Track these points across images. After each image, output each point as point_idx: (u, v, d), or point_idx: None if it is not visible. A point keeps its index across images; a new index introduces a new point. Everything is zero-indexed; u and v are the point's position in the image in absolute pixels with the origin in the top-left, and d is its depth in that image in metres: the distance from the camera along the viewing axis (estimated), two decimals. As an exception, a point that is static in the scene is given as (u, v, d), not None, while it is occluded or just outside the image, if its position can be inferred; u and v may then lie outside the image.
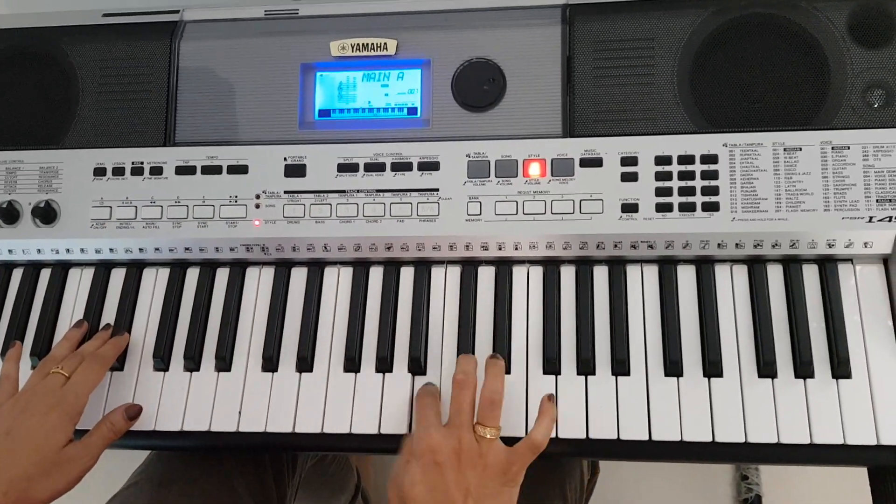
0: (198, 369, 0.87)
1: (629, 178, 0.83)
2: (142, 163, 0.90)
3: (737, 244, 0.82)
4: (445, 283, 0.87)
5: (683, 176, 0.83)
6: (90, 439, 0.79)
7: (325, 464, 1.16)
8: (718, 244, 0.82)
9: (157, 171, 0.89)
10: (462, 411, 0.75)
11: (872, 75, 0.82)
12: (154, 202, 0.89)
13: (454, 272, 0.88)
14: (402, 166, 0.87)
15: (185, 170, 0.89)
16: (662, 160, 0.83)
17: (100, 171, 0.90)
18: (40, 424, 0.77)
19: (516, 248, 0.85)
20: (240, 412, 0.84)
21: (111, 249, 0.90)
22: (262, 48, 0.91)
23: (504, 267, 0.87)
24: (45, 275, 0.93)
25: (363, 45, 0.89)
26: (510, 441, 0.76)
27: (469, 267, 0.87)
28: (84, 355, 0.84)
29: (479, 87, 0.87)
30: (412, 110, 0.89)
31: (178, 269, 0.91)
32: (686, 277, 0.84)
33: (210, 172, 0.89)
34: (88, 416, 0.82)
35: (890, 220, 0.80)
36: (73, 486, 0.78)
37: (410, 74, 0.89)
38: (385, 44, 0.89)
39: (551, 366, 0.82)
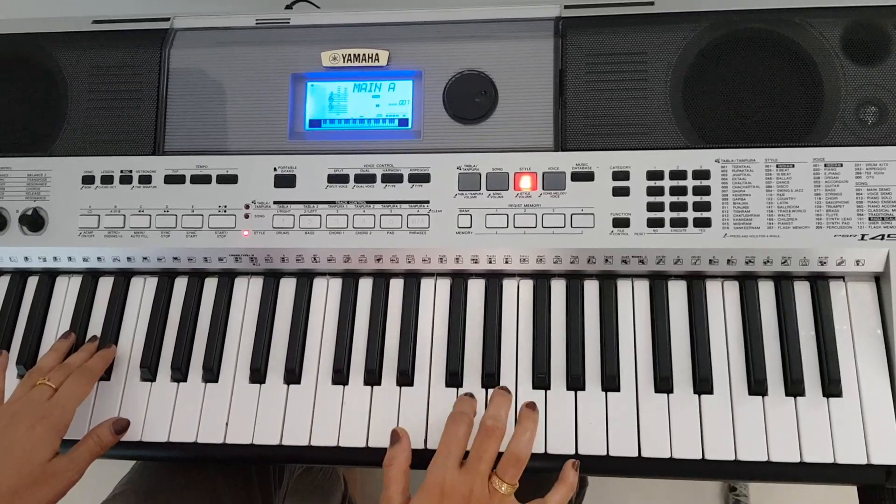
0: (185, 380, 0.86)
1: (621, 192, 0.83)
2: (131, 171, 0.89)
3: (728, 260, 0.82)
4: (435, 295, 0.87)
5: (675, 191, 0.82)
6: (76, 453, 0.79)
7: (312, 473, 1.15)
8: (710, 260, 0.82)
9: (145, 179, 0.89)
10: (482, 459, 0.72)
11: (866, 92, 0.82)
12: (142, 211, 0.88)
13: (444, 285, 0.87)
14: (392, 178, 0.86)
15: (174, 179, 0.89)
16: (654, 175, 0.83)
17: (88, 179, 0.90)
18: (26, 437, 0.76)
19: (506, 262, 0.85)
20: (227, 424, 0.84)
21: (99, 258, 0.89)
22: (252, 57, 0.90)
23: (494, 280, 0.86)
24: (32, 283, 0.92)
25: (354, 55, 0.89)
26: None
27: (459, 280, 0.87)
28: (71, 368, 0.83)
29: (470, 99, 0.87)
30: (403, 122, 0.89)
31: (166, 278, 0.90)
32: (677, 293, 0.84)
33: (199, 182, 0.88)
34: (75, 426, 0.81)
35: (882, 238, 0.79)
36: (59, 499, 0.77)
37: (402, 85, 0.89)
38: (376, 54, 0.88)
39: (541, 381, 0.82)
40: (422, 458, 0.77)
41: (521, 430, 0.75)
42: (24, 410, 0.78)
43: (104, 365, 0.85)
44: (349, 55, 0.88)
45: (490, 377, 0.82)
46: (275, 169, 0.88)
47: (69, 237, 0.89)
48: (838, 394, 0.78)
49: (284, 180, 0.87)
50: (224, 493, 0.89)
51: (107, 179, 0.89)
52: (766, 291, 0.83)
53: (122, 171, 0.89)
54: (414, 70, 0.89)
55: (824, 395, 0.79)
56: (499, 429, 0.74)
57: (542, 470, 0.79)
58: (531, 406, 0.78)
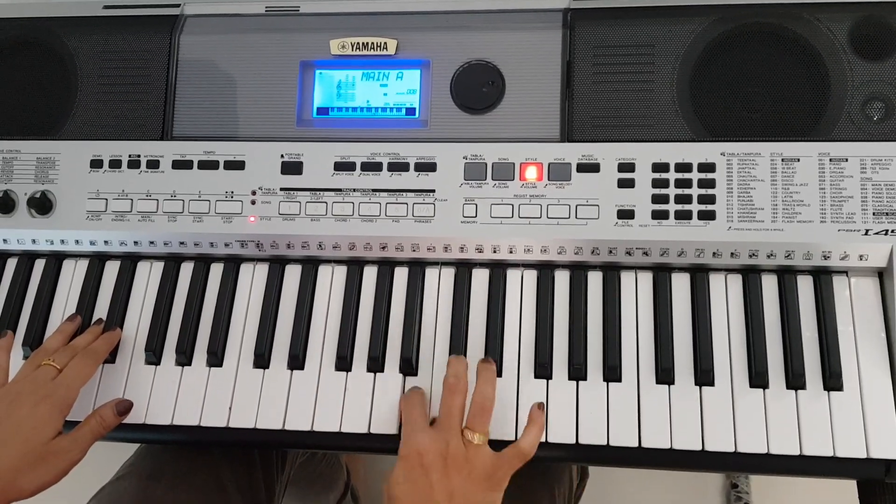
0: (189, 364, 0.87)
1: (626, 184, 0.83)
2: (139, 156, 0.90)
3: (732, 253, 0.82)
4: (439, 284, 0.87)
5: (680, 184, 0.82)
6: (79, 432, 0.79)
7: (314, 461, 1.16)
8: (714, 253, 0.82)
9: (153, 164, 0.89)
10: (451, 415, 0.74)
11: (873, 88, 0.82)
12: (150, 196, 0.89)
13: (448, 274, 0.87)
14: (398, 166, 0.86)
15: (181, 164, 0.89)
16: (660, 167, 0.83)
17: (96, 163, 0.90)
18: (30, 416, 0.77)
19: (511, 252, 0.85)
20: (230, 408, 0.84)
21: (106, 242, 0.90)
22: (262, 44, 0.90)
23: (498, 270, 0.86)
24: (40, 265, 0.93)
25: (363, 44, 0.89)
26: (497, 445, 0.76)
27: (463, 269, 0.87)
28: (77, 349, 0.84)
29: (478, 89, 0.87)
30: (410, 111, 0.89)
31: (172, 263, 0.91)
32: (680, 285, 0.84)
33: (207, 167, 0.89)
34: (79, 407, 0.81)
35: (886, 234, 0.79)
36: (61, 478, 0.77)
37: (410, 75, 0.89)
38: (385, 43, 0.89)
39: (543, 370, 0.82)
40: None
41: (482, 381, 0.77)
42: (28, 390, 0.78)
43: (109, 347, 0.86)
44: (358, 43, 0.89)
45: (492, 366, 0.82)
46: (282, 156, 0.88)
47: (77, 220, 0.89)
48: (839, 387, 0.78)
49: (291, 167, 0.88)
50: (227, 478, 0.89)
51: (115, 164, 0.90)
52: (770, 285, 0.83)
53: (130, 156, 0.90)
54: (422, 59, 0.89)
55: (825, 389, 0.79)
56: (461, 384, 0.76)
57: (544, 459, 0.80)
58: (487, 360, 0.80)
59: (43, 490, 0.77)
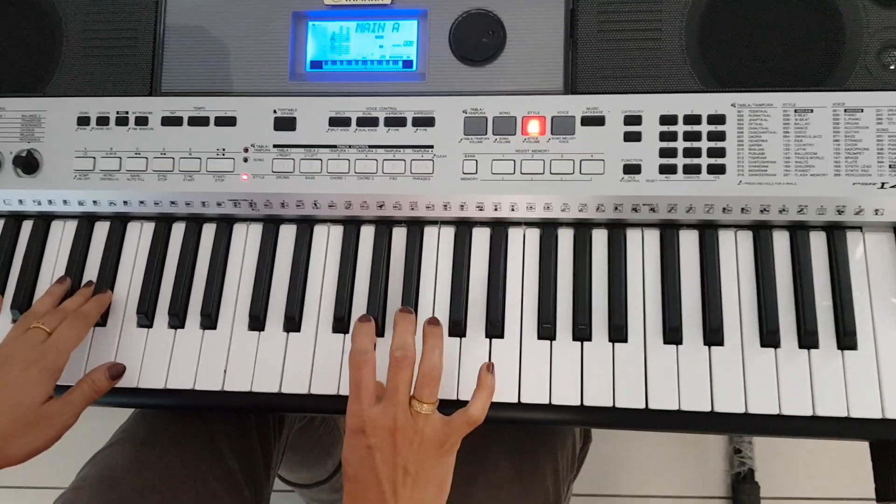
0: (182, 326, 0.84)
1: (632, 137, 0.80)
2: (127, 112, 0.87)
3: (742, 209, 0.79)
4: (438, 243, 0.84)
5: (689, 136, 0.79)
6: (70, 396, 0.77)
7: (312, 427, 1.14)
8: (723, 208, 0.79)
9: (142, 121, 0.86)
10: (398, 389, 0.70)
11: (889, 35, 0.79)
12: (139, 154, 0.86)
13: (448, 233, 0.85)
14: (395, 121, 0.83)
15: (171, 121, 0.86)
16: (667, 119, 0.80)
17: (83, 121, 0.87)
18: (19, 380, 0.75)
19: (513, 209, 0.82)
20: (225, 371, 0.82)
21: (94, 202, 0.87)
22: (252, -6, 0.87)
23: (500, 228, 0.84)
24: (27, 227, 0.90)
25: (358, -8, 0.85)
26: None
27: (463, 227, 0.84)
28: (66, 312, 0.81)
29: (477, 39, 0.84)
30: (407, 63, 0.86)
31: (163, 223, 0.88)
32: (688, 242, 0.81)
33: (197, 124, 0.86)
34: (70, 372, 0.79)
35: (902, 187, 0.77)
36: (52, 444, 0.76)
37: (406, 25, 0.86)
38: (381, -8, 0.85)
39: (546, 331, 0.79)
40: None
41: (429, 348, 0.74)
42: (17, 353, 0.76)
43: (100, 310, 0.84)
44: (352, -8, 0.85)
45: (494, 326, 0.80)
46: (274, 111, 0.85)
47: (64, 180, 0.87)
48: (853, 346, 0.76)
49: (284, 123, 0.84)
50: (222, 443, 0.87)
51: (102, 121, 0.87)
52: (781, 241, 0.80)
53: (118, 113, 0.87)
54: (419, 9, 0.85)
55: (839, 348, 0.76)
56: (408, 357, 0.71)
57: (548, 422, 0.78)
58: (433, 322, 0.76)
59: (34, 456, 0.75)
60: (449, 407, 0.74)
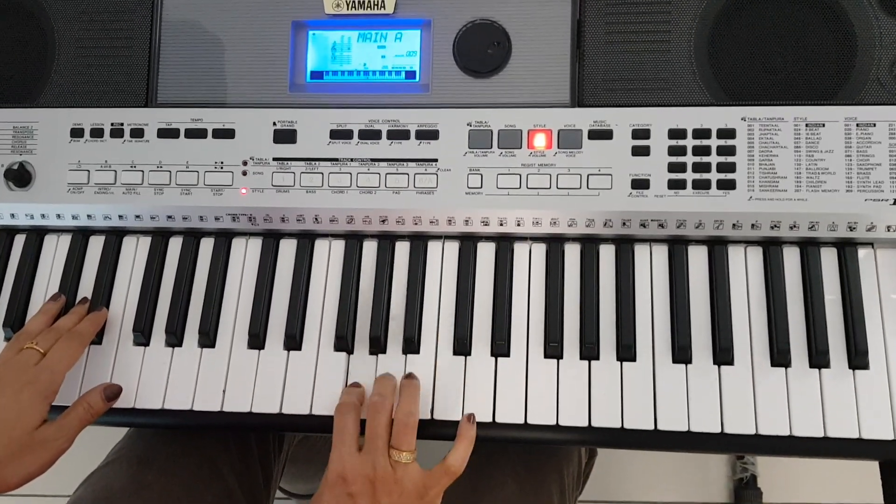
0: (180, 345, 0.83)
1: (640, 151, 0.79)
2: (122, 124, 0.84)
3: (753, 225, 0.78)
4: (443, 259, 0.83)
5: (698, 151, 0.78)
6: (65, 420, 0.75)
7: (312, 441, 1.12)
8: (733, 224, 0.78)
9: (137, 133, 0.84)
10: (377, 436, 0.71)
11: (902, 47, 0.78)
12: (135, 166, 0.84)
13: (452, 248, 0.83)
14: (398, 134, 0.81)
15: (167, 133, 0.84)
16: (676, 133, 0.78)
17: (77, 132, 0.85)
18: (12, 403, 0.73)
19: (518, 224, 0.81)
20: (224, 391, 0.80)
21: (89, 216, 0.85)
22: (251, 2, 0.85)
23: (505, 244, 0.82)
24: (20, 241, 0.88)
25: (359, 2, 0.83)
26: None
27: (468, 243, 0.83)
28: (61, 331, 0.80)
29: (482, 50, 0.82)
30: (410, 74, 0.84)
31: (159, 238, 0.86)
32: (697, 259, 0.80)
33: (194, 136, 0.84)
34: (64, 392, 0.78)
35: (915, 203, 0.75)
36: (47, 469, 0.74)
37: (409, 35, 0.84)
38: (383, 2, 0.83)
39: (553, 350, 0.78)
40: (424, 429, 0.75)
41: (404, 398, 0.75)
42: (10, 375, 0.75)
43: (95, 328, 0.82)
44: (354, 2, 0.83)
45: (500, 345, 0.79)
46: (274, 123, 0.83)
47: (57, 193, 0.84)
48: (865, 366, 0.75)
49: (284, 135, 0.83)
50: (222, 462, 0.86)
51: (97, 133, 0.85)
52: (792, 258, 0.79)
53: (112, 124, 0.85)
54: (422, 19, 0.84)
55: (850, 368, 0.75)
56: (385, 402, 0.73)
57: (556, 443, 0.76)
58: (410, 376, 0.78)
59: (28, 481, 0.74)
60: (451, 428, 0.74)
